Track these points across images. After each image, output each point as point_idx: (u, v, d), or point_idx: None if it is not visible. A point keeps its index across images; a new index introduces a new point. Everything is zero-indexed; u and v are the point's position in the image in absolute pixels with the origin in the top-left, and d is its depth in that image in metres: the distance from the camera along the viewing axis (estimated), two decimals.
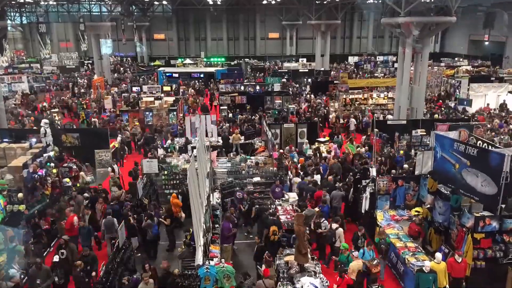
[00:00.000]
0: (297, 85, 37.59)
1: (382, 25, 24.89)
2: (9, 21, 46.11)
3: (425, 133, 19.99)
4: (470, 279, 10.70)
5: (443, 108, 27.43)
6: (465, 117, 23.97)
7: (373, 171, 13.80)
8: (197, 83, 39.43)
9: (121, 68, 50.14)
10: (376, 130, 17.86)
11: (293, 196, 14.49)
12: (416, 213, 13.24)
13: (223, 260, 9.94)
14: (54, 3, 49.18)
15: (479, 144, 13.55)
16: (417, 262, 10.59)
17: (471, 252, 10.68)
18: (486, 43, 48.61)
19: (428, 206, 12.83)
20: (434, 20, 21.64)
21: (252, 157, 17.99)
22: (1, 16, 21.63)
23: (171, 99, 29.15)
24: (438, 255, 10.21)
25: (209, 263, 9.55)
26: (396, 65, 35.63)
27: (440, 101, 30.08)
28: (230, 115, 26.38)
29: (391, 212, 13.57)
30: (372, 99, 29.86)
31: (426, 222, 12.76)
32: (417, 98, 23.27)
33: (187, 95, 33.70)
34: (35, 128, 21.11)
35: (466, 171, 11.71)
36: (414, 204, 13.71)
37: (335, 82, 35.13)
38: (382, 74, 42.79)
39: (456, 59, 50.00)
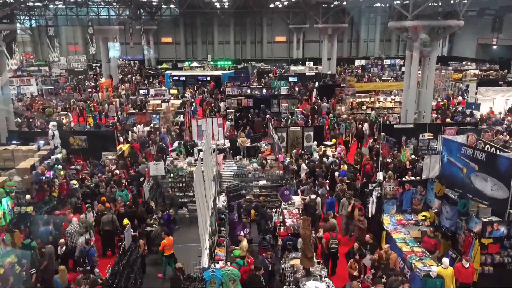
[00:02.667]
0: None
1: (390, 28, 24.81)
2: (18, 24, 46.50)
3: (432, 137, 19.89)
4: (477, 285, 10.61)
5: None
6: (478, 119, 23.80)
7: (379, 175, 13.74)
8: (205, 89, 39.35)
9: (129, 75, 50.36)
10: (383, 134, 17.79)
11: (298, 200, 14.48)
12: (423, 217, 13.16)
13: (228, 263, 9.95)
14: (63, 6, 49.57)
15: (487, 148, 13.46)
16: (424, 267, 10.48)
17: (478, 257, 10.60)
18: (494, 47, 48.20)
19: (435, 210, 12.75)
20: (442, 24, 21.55)
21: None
22: (11, 19, 21.85)
23: (178, 102, 29.26)
24: (445, 260, 10.13)
25: (214, 266, 9.55)
26: (403, 68, 35.47)
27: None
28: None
29: (398, 216, 13.47)
30: (379, 103, 29.79)
31: (433, 226, 12.68)
32: (424, 102, 23.15)
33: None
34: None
35: (475, 175, 11.62)
36: (421, 209, 13.61)
37: (341, 85, 35.08)
38: (390, 78, 42.65)
39: (464, 62, 49.70)
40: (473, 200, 11.60)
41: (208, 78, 41.91)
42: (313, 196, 14.13)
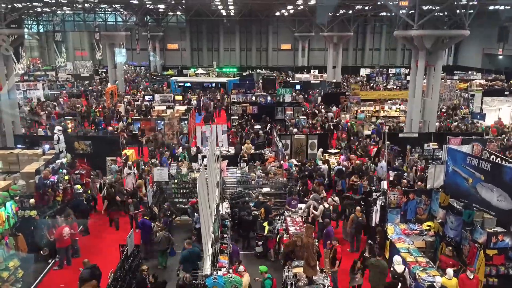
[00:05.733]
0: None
1: (395, 37, 24.84)
2: (26, 29, 47.00)
3: (437, 147, 19.81)
4: None
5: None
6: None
7: (383, 184, 13.68)
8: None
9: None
10: (387, 142, 17.74)
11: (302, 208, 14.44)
12: (428, 227, 13.08)
13: (231, 270, 9.90)
14: (71, 12, 50.17)
15: (493, 158, 13.37)
16: (428, 277, 10.40)
17: (483, 268, 10.50)
18: (500, 56, 48.24)
19: (440, 220, 12.66)
20: (447, 33, 21.55)
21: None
22: (19, 24, 22.08)
23: (182, 108, 29.35)
24: (450, 271, 10.02)
25: (217, 273, 9.51)
26: (408, 77, 35.43)
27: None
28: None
29: (402, 226, 13.39)
30: (384, 111, 29.76)
31: (437, 237, 12.58)
32: (429, 111, 23.10)
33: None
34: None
35: (481, 185, 11.54)
36: (426, 218, 13.52)
37: (346, 93, 35.09)
38: (395, 87, 42.63)
39: (469, 72, 49.65)
40: (479, 210, 11.52)
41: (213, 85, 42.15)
42: (326, 205, 14.19)
